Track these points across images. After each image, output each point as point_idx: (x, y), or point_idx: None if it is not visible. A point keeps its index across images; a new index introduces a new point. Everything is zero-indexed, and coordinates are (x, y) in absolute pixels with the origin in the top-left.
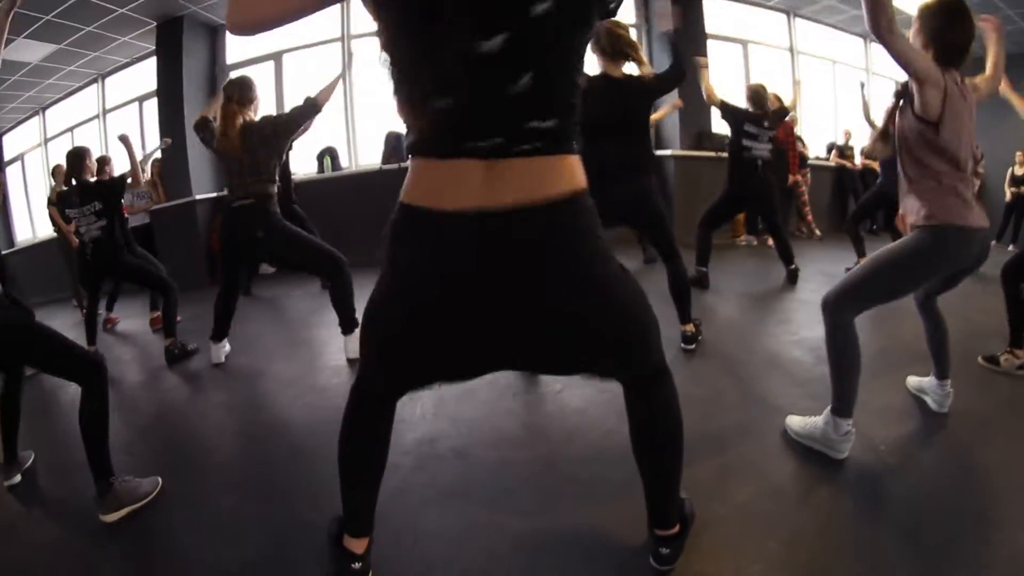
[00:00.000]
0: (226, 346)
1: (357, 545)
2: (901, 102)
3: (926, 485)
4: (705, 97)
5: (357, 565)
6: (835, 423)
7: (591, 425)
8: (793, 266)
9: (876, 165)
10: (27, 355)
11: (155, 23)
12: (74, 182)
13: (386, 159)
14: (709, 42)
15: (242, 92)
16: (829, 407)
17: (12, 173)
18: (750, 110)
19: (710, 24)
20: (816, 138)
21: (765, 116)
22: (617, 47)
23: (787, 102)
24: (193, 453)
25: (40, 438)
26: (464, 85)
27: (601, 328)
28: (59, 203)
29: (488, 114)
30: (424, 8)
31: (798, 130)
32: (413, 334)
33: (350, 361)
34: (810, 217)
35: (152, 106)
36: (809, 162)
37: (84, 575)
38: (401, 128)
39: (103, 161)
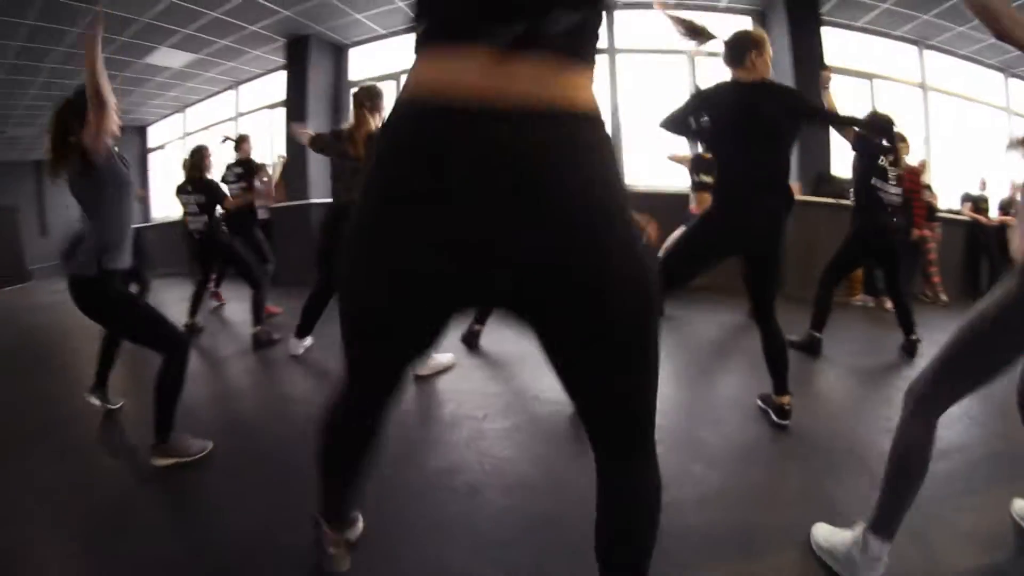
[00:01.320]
0: (308, 341)
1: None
2: None
3: None
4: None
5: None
6: (865, 542)
7: None
8: (914, 336)
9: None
10: (116, 325)
11: (284, 40)
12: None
13: None
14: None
15: (373, 100)
16: (865, 521)
17: (155, 159)
18: (881, 143)
19: (831, 56)
20: (948, 187)
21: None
22: (741, 44)
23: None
24: (243, 430)
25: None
26: None
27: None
28: (177, 191)
29: None
30: None
31: (927, 177)
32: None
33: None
34: (937, 279)
35: (280, 114)
36: (938, 215)
37: (121, 504)
38: None
39: (242, 139)
